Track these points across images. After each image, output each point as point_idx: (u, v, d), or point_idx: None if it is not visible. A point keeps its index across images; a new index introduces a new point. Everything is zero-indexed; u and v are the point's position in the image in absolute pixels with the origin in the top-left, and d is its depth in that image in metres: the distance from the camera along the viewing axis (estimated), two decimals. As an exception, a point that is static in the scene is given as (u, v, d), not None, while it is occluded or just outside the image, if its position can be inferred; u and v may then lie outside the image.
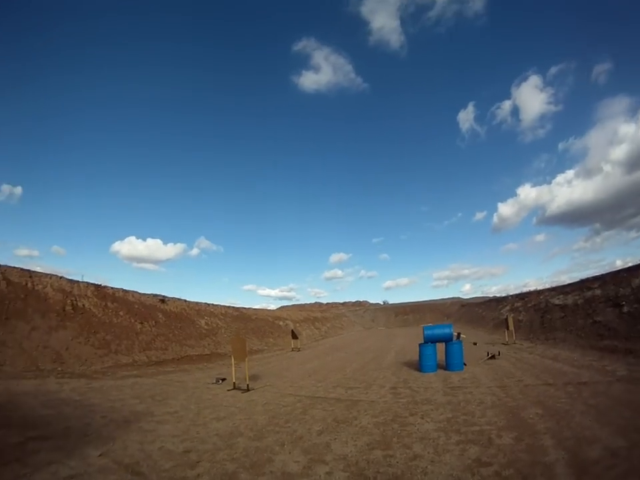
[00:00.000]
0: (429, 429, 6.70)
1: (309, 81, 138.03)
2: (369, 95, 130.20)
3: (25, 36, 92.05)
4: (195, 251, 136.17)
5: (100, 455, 5.69)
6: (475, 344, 21.04)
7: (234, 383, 12.00)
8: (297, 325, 41.95)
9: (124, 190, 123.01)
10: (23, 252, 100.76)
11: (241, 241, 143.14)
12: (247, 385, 11.58)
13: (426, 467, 5.05)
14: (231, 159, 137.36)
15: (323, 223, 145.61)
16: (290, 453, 5.78)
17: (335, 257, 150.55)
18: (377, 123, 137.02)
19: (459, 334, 14.72)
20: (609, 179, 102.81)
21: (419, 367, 13.63)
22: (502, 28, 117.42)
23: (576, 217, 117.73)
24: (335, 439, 6.39)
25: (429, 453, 5.55)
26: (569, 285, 24.43)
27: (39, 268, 20.38)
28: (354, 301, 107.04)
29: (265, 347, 29.20)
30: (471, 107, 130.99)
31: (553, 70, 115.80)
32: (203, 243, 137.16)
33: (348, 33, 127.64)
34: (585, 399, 7.90)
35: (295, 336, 29.06)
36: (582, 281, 22.92)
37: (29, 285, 17.87)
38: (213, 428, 7.31)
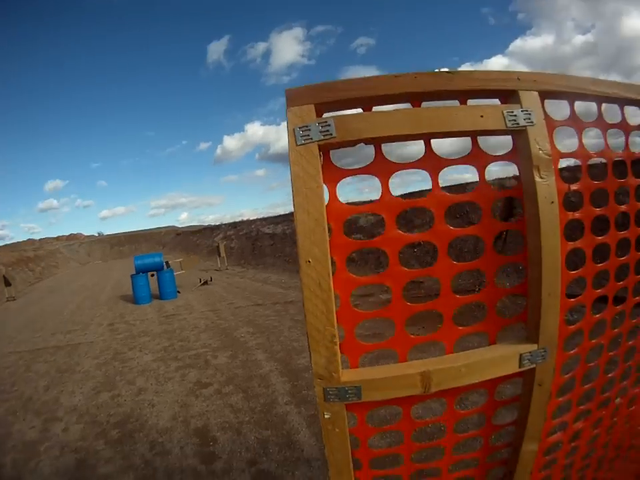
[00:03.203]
0: (148, 360, 6.83)
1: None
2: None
3: None
4: None
5: None
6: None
7: None
8: (10, 269, 33.81)
9: None
10: None
11: None
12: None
13: (152, 399, 5.21)
14: None
15: (36, 145, 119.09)
16: (24, 419, 5.09)
17: (50, 185, 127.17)
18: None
19: (167, 262, 14.64)
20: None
21: (134, 299, 13.30)
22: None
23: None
24: (62, 391, 5.90)
25: (152, 384, 5.73)
26: (281, 215, 26.87)
27: None
28: (68, 234, 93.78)
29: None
30: (225, 40, 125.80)
31: (320, 28, 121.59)
32: None
33: None
34: (292, 316, 8.88)
35: (7, 283, 23.22)
36: (291, 213, 25.59)
37: None
38: None
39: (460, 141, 1.06)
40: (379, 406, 1.09)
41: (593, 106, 1.23)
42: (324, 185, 0.96)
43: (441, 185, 1.05)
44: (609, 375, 1.50)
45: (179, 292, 13.90)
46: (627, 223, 1.31)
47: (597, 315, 1.32)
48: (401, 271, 1.05)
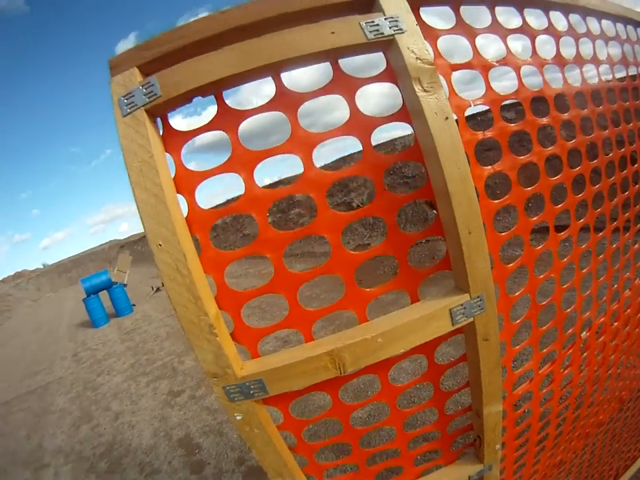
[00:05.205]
0: (118, 382, 6.72)
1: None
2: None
3: None
4: None
5: None
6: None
7: None
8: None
9: None
10: None
11: None
12: None
13: (130, 420, 5.19)
14: None
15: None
16: (15, 475, 4.92)
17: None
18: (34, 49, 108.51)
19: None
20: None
21: (92, 323, 12.84)
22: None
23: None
24: (43, 435, 5.73)
25: (127, 405, 5.65)
26: (218, 205, 25.99)
27: None
28: (13, 273, 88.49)
29: None
30: (132, 37, 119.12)
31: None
32: None
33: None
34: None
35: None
36: (228, 201, 24.35)
37: None
38: None
39: (386, 98, 0.85)
40: (299, 396, 0.94)
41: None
42: (167, 155, 0.82)
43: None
44: (568, 311, 1.34)
45: (134, 305, 13.48)
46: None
47: (539, 247, 1.13)
48: (277, 236, 0.88)
